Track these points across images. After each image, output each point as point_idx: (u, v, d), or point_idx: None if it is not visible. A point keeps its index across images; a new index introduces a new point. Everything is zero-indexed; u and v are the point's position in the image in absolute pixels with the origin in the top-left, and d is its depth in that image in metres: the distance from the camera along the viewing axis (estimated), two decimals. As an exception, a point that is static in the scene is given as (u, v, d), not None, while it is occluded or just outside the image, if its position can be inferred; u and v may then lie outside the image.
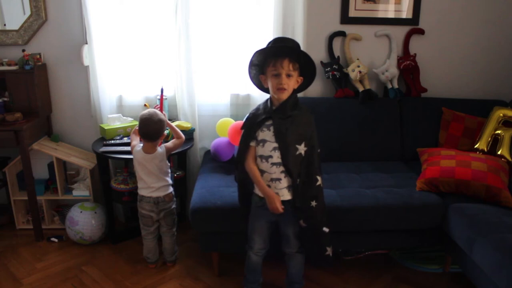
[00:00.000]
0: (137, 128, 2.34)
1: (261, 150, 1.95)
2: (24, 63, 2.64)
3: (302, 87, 2.00)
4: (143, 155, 2.30)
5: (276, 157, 1.91)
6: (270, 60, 1.89)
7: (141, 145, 2.34)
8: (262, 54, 1.92)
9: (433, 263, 2.57)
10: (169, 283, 2.36)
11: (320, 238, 2.01)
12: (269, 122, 1.92)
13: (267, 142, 1.92)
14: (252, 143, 1.97)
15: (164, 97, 2.76)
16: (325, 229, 2.00)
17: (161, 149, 2.34)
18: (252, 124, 1.96)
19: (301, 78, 1.95)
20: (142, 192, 2.36)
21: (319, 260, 2.10)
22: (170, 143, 2.42)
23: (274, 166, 1.92)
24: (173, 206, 2.45)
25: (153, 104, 2.80)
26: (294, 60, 1.88)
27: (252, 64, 1.96)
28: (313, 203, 1.94)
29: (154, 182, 2.33)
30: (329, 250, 2.05)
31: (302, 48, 2.72)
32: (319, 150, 1.97)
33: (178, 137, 2.45)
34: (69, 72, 2.87)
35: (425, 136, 2.84)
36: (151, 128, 2.25)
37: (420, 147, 2.75)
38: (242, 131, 2.02)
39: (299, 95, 2.06)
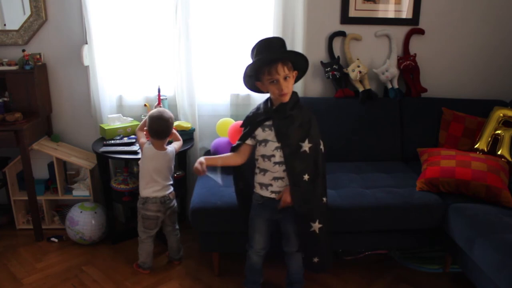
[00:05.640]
0: (142, 125, 2.37)
1: (263, 150, 1.95)
2: (24, 63, 2.64)
3: (297, 78, 1.98)
4: (155, 152, 2.29)
5: (279, 156, 1.91)
6: (263, 69, 1.86)
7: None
8: (254, 67, 1.89)
9: (433, 263, 2.57)
10: (169, 283, 2.36)
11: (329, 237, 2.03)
12: (269, 122, 1.93)
13: (269, 142, 1.93)
14: (248, 141, 1.98)
15: (163, 96, 2.77)
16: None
17: (171, 147, 2.36)
18: (251, 123, 1.97)
19: (296, 72, 1.93)
20: (146, 193, 2.33)
21: (323, 263, 2.04)
22: (175, 144, 2.43)
23: (277, 165, 1.93)
24: (176, 203, 2.46)
25: (154, 104, 2.80)
26: (286, 60, 1.86)
27: (246, 75, 1.94)
28: (325, 200, 1.99)
29: (162, 180, 2.32)
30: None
31: (302, 48, 2.76)
32: (321, 147, 1.96)
33: (179, 139, 2.48)
34: (69, 72, 2.87)
35: (425, 136, 2.84)
36: (162, 126, 2.26)
37: (420, 147, 2.75)
38: (242, 129, 2.03)
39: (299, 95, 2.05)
